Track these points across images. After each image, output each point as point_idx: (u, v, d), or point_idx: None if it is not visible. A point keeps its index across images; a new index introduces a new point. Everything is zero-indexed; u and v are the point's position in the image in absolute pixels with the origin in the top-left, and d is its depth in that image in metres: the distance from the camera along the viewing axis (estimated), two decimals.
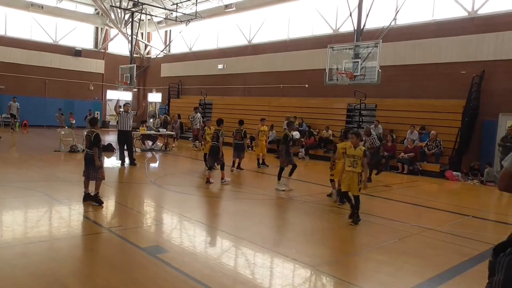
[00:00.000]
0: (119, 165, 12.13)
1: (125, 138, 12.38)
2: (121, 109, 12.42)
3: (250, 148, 18.18)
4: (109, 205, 7.34)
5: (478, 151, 14.29)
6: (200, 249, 5.28)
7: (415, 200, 9.42)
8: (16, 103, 23.25)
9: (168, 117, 22.91)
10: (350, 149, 6.87)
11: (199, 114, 19.66)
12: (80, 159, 13.34)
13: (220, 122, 10.45)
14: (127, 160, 12.37)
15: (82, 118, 26.99)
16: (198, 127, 18.78)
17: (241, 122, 12.46)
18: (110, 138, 20.29)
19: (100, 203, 7.11)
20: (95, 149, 7.11)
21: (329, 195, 8.91)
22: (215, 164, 10.02)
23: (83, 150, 14.43)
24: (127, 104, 12.89)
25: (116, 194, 8.68)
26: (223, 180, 9.80)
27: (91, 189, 7.26)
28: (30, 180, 9.03)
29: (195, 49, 28.10)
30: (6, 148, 15.66)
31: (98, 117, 27.26)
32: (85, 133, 7.40)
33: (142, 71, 30.24)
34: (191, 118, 19.65)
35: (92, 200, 7.15)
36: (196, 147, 18.52)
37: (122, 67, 26.64)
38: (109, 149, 15.23)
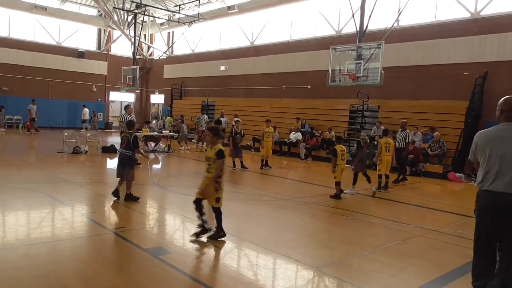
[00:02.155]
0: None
1: None
2: (124, 112, 12.50)
3: (253, 150, 18.21)
4: (112, 206, 7.35)
5: None
6: (203, 250, 5.28)
7: (418, 202, 9.39)
8: (35, 105, 23.17)
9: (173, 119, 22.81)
10: (208, 150, 5.64)
11: (205, 116, 19.69)
12: (83, 161, 13.50)
13: (217, 122, 10.50)
14: None
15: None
16: (204, 128, 18.86)
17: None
18: (114, 139, 20.34)
19: (135, 199, 7.53)
20: (137, 150, 7.71)
21: (333, 197, 8.91)
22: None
23: (86, 152, 14.67)
24: (130, 106, 12.77)
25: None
26: None
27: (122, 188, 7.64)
28: (32, 181, 9.04)
29: (197, 50, 28.15)
30: (8, 150, 15.71)
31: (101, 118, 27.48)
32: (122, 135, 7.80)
33: (144, 72, 30.31)
34: (197, 119, 19.65)
35: (127, 199, 7.49)
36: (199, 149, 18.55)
37: (125, 68, 26.69)
38: (112, 151, 15.26)
